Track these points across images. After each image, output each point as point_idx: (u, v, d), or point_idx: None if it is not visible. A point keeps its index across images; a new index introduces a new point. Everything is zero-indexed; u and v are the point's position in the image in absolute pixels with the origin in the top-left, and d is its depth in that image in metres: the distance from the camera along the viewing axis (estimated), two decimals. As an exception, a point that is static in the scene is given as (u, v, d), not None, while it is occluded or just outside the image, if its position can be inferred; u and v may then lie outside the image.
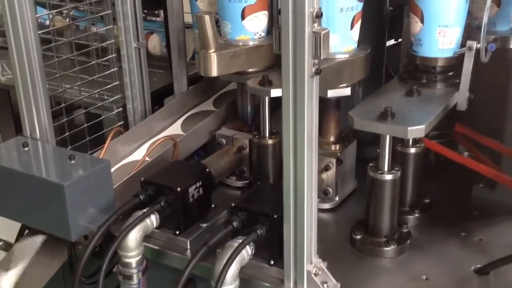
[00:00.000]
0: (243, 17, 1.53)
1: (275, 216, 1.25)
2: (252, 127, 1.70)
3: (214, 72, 1.51)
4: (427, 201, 1.57)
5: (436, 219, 1.54)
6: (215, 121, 1.77)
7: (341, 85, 1.47)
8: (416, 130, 1.29)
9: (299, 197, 1.17)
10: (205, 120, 1.74)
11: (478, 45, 1.42)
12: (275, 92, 1.43)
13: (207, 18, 1.43)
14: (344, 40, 1.46)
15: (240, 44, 1.55)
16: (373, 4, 1.64)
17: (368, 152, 1.64)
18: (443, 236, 1.48)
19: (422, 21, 1.46)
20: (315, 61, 1.11)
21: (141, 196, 1.38)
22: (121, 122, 1.97)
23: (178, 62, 1.83)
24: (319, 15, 1.09)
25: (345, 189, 1.62)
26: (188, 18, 1.84)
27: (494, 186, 1.57)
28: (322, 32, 1.09)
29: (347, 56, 1.46)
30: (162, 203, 1.37)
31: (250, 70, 1.58)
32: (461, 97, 1.45)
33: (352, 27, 1.45)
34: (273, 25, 1.33)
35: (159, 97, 2.03)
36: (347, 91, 1.48)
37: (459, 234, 1.48)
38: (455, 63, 1.50)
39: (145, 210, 1.35)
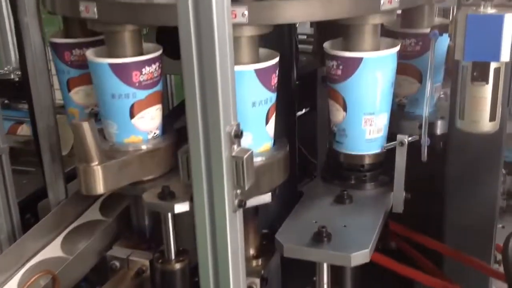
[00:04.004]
0: (132, 115, 1.24)
1: None
2: (151, 244, 1.40)
3: (100, 189, 1.20)
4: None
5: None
6: (104, 237, 1.44)
7: (260, 193, 1.21)
8: (360, 256, 1.07)
9: None
10: (91, 238, 1.41)
11: (410, 139, 1.24)
12: (180, 207, 1.16)
13: (85, 126, 1.13)
14: (259, 139, 1.21)
15: (131, 149, 1.26)
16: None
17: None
18: None
19: (345, 109, 1.26)
20: (238, 191, 0.85)
21: None
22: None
23: (51, 166, 1.49)
24: (238, 134, 0.83)
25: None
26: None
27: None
28: (245, 156, 0.83)
29: (263, 159, 1.21)
30: None
31: (145, 178, 1.28)
32: (396, 199, 1.27)
33: (267, 122, 1.20)
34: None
35: (32, 203, 1.66)
36: (267, 198, 1.23)
37: None
38: (384, 158, 1.32)
39: None
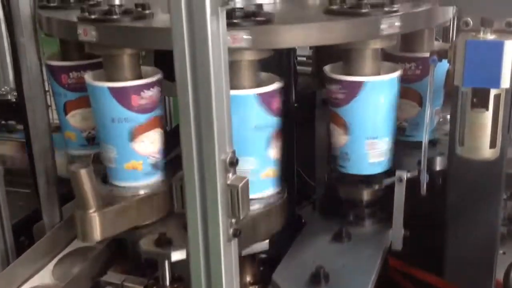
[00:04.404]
0: (131, 140, 1.22)
1: None
2: (146, 270, 1.37)
3: (97, 236, 1.18)
4: None
5: None
6: (98, 263, 1.40)
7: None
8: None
9: None
10: (85, 263, 1.38)
11: (409, 174, 1.22)
12: (177, 255, 1.14)
13: (83, 173, 1.11)
14: (262, 164, 1.19)
15: (129, 194, 1.25)
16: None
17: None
18: None
19: (347, 133, 1.24)
20: (233, 220, 0.83)
21: None
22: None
23: (46, 189, 1.47)
24: (233, 162, 0.81)
25: None
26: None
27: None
28: (240, 184, 0.81)
29: (261, 206, 1.19)
30: None
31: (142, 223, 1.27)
32: (395, 237, 1.26)
33: (270, 146, 1.19)
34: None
35: (26, 225, 1.64)
36: (264, 246, 1.21)
37: None
38: (382, 194, 1.31)
39: None
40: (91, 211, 1.16)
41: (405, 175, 1.21)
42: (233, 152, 0.81)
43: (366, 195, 1.29)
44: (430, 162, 1.29)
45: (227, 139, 0.81)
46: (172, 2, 0.75)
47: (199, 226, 0.82)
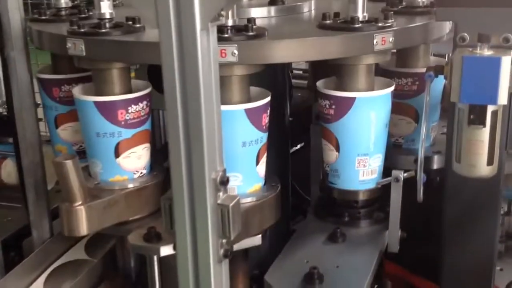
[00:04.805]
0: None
1: None
2: (138, 286, 1.34)
3: (84, 230, 1.15)
4: None
5: None
6: (89, 279, 1.38)
7: (250, 235, 1.17)
8: (354, 301, 1.02)
9: None
10: (76, 279, 1.35)
11: (405, 175, 1.20)
12: (166, 250, 1.11)
13: (69, 165, 1.09)
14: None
15: (116, 187, 1.21)
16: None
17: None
18: None
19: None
20: (223, 241, 0.80)
21: None
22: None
23: (35, 204, 1.44)
24: (224, 181, 0.79)
25: None
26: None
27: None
28: (231, 204, 0.79)
29: (254, 199, 1.16)
30: None
31: (131, 218, 1.24)
32: (392, 238, 1.23)
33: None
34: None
35: (16, 240, 1.61)
36: (257, 241, 1.18)
37: None
38: (379, 194, 1.27)
39: None
40: (77, 204, 1.13)
41: (401, 175, 1.19)
42: (224, 171, 0.79)
43: (361, 195, 1.26)
44: (427, 161, 1.28)
45: (217, 157, 0.79)
46: (161, 16, 0.73)
47: (188, 247, 0.79)
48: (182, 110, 0.77)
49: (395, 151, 1.36)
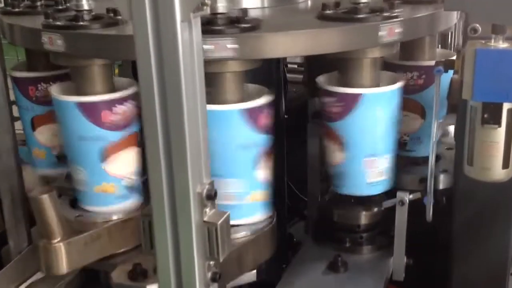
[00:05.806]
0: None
1: None
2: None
3: (63, 268, 1.07)
4: None
5: None
6: (69, 292, 1.29)
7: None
8: None
9: None
10: (55, 293, 1.26)
11: (411, 196, 1.12)
12: None
13: (45, 200, 1.00)
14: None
15: (99, 220, 1.13)
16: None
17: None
18: None
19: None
20: (211, 263, 0.70)
21: None
22: None
23: (11, 211, 1.34)
24: (211, 195, 0.69)
25: None
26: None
27: None
28: (219, 221, 0.69)
29: (248, 233, 1.08)
30: None
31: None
32: (397, 265, 1.15)
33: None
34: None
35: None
36: (252, 276, 1.10)
37: None
38: (381, 218, 1.19)
39: None
40: (55, 241, 1.05)
41: (407, 197, 1.09)
42: (211, 184, 0.69)
43: (363, 219, 1.17)
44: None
45: (203, 167, 0.69)
46: (134, 6, 0.62)
47: (171, 270, 0.69)
48: (160, 113, 0.67)
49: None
